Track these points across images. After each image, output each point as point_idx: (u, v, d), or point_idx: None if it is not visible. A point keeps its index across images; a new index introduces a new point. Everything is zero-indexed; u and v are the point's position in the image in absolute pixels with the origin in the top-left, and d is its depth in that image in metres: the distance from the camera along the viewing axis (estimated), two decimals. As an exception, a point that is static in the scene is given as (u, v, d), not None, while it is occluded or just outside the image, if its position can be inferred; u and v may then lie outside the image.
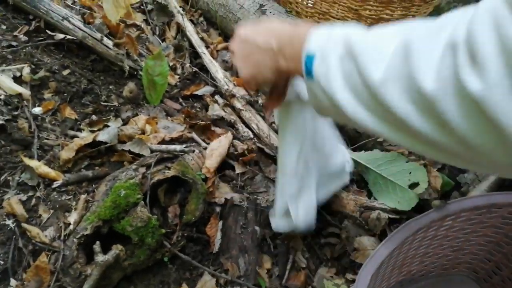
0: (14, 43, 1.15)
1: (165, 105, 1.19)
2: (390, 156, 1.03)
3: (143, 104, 1.17)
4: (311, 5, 1.31)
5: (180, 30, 1.46)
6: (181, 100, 1.24)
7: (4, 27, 1.19)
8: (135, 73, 1.23)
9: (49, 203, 0.84)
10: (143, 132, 1.01)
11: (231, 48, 0.59)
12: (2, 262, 0.75)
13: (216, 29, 1.54)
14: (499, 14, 0.28)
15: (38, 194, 0.85)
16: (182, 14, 1.45)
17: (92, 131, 0.99)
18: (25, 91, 1.03)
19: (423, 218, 0.65)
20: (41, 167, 0.87)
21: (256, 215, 0.92)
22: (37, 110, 1.01)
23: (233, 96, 1.19)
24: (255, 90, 1.19)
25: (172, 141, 1.01)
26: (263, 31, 0.54)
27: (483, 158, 0.33)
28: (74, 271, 0.74)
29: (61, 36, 1.20)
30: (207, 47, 1.39)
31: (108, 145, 0.93)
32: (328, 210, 1.00)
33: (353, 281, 0.87)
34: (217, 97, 1.25)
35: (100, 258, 0.74)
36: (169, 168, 0.89)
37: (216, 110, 1.17)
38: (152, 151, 0.95)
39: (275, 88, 0.63)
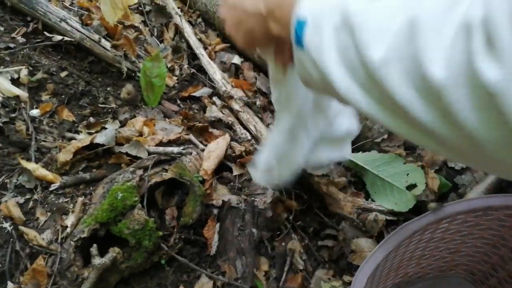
0: (12, 45, 1.15)
1: (163, 106, 1.19)
2: (388, 158, 1.03)
3: (141, 105, 1.17)
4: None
5: (178, 31, 1.46)
6: (179, 101, 1.24)
7: (2, 28, 1.19)
8: (133, 74, 1.23)
9: (46, 205, 0.84)
10: (141, 134, 1.01)
11: (221, 15, 0.54)
12: (-1, 265, 0.75)
13: (214, 30, 1.54)
14: None
15: (35, 196, 0.85)
16: (180, 16, 1.45)
17: (90, 133, 0.99)
18: (23, 93, 1.03)
19: (419, 220, 0.65)
20: (38, 170, 0.87)
21: (253, 217, 0.93)
22: (35, 112, 1.01)
23: (231, 97, 1.19)
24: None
25: (170, 143, 1.01)
26: None
27: (487, 156, 0.31)
28: (71, 274, 0.74)
29: (59, 37, 1.20)
30: (205, 48, 1.39)
31: (105, 147, 0.93)
32: (325, 211, 1.00)
33: (351, 283, 0.88)
34: (215, 98, 1.25)
35: (97, 261, 0.74)
36: (166, 171, 0.89)
37: (214, 111, 1.17)
38: (149, 153, 0.95)
39: (279, 51, 0.56)
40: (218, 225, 0.91)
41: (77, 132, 1.01)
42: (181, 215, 0.88)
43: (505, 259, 0.77)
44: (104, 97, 1.14)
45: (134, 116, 1.10)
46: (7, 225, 0.79)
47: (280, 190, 1.00)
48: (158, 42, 1.44)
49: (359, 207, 0.96)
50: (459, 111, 0.28)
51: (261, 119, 1.17)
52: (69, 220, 0.81)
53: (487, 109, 0.27)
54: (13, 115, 0.98)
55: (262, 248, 0.92)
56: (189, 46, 1.40)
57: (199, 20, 1.58)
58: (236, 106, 1.18)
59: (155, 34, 1.47)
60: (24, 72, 1.08)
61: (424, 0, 0.32)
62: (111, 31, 1.28)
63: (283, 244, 0.93)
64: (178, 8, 1.50)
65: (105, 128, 1.00)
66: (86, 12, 1.36)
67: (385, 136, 1.08)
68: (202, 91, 1.27)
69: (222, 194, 0.95)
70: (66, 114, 1.03)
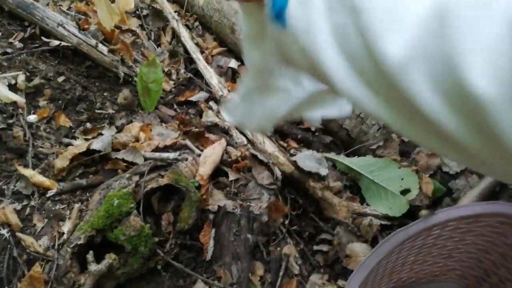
0: (9, 50, 1.16)
1: (159, 111, 1.20)
2: (382, 162, 1.04)
3: (138, 110, 1.18)
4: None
5: (175, 35, 1.47)
6: (175, 106, 1.24)
7: (-1, 34, 1.20)
8: (130, 79, 1.24)
9: (43, 212, 0.85)
10: (137, 139, 1.02)
11: None
12: (-4, 272, 0.76)
13: (212, 33, 1.55)
14: None
15: (32, 203, 0.85)
16: (177, 20, 1.46)
17: (87, 139, 0.99)
18: (20, 99, 1.04)
19: (410, 228, 0.66)
20: (35, 176, 0.88)
21: (248, 223, 0.93)
22: (32, 118, 1.02)
23: (228, 102, 1.20)
24: None
25: (166, 148, 1.02)
26: None
27: None
28: (68, 280, 0.75)
29: (56, 42, 1.21)
30: (202, 52, 1.40)
31: (102, 153, 0.94)
32: (320, 216, 1.01)
33: None
34: (211, 103, 1.25)
35: (93, 267, 0.75)
36: (162, 176, 0.90)
37: (210, 116, 1.18)
38: (145, 159, 0.95)
39: None
40: (213, 230, 0.92)
41: (74, 137, 1.02)
42: (177, 220, 0.88)
43: (497, 265, 0.77)
44: (101, 102, 1.15)
45: (131, 121, 1.11)
46: (4, 231, 0.80)
47: (276, 194, 1.00)
48: (155, 46, 1.45)
49: (354, 212, 0.97)
50: (502, 130, 0.23)
51: (257, 124, 1.18)
52: (66, 227, 0.81)
53: None
54: (11, 121, 0.99)
55: (257, 253, 0.93)
56: (186, 51, 1.41)
57: (196, 23, 1.59)
58: (232, 110, 1.18)
59: (152, 38, 1.48)
60: (21, 77, 1.08)
61: None
62: (108, 35, 1.29)
63: (278, 249, 0.94)
64: (175, 12, 1.51)
65: (102, 134, 1.01)
66: (84, 17, 1.36)
67: (381, 143, 1.09)
68: (198, 96, 1.28)
69: (218, 199, 0.96)
70: (63, 120, 1.04)
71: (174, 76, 1.35)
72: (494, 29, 0.22)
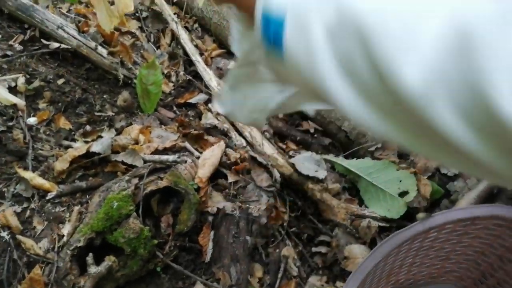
0: (9, 53, 1.16)
1: (159, 113, 1.21)
2: (381, 164, 1.05)
3: (137, 112, 1.18)
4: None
5: (175, 37, 1.47)
6: (175, 108, 1.25)
7: (-1, 36, 1.20)
8: (130, 81, 1.25)
9: (43, 214, 0.85)
10: (137, 142, 1.02)
11: None
12: (-3, 274, 0.76)
13: (211, 35, 1.55)
14: None
15: (32, 205, 0.86)
16: (176, 22, 1.46)
17: (86, 142, 1.00)
18: (20, 102, 1.04)
19: (407, 231, 0.66)
20: (35, 179, 0.88)
21: (247, 224, 0.94)
22: (32, 120, 1.03)
23: (227, 104, 1.20)
24: None
25: (165, 150, 1.03)
26: None
27: None
28: (68, 282, 0.76)
29: (56, 45, 1.21)
30: (201, 54, 1.40)
31: (101, 156, 0.95)
32: (319, 218, 1.02)
33: (343, 289, 0.89)
34: (210, 105, 1.26)
35: (93, 270, 0.75)
36: (161, 179, 0.90)
37: (209, 118, 1.18)
38: (145, 161, 0.96)
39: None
40: (212, 232, 0.92)
41: (74, 140, 1.02)
42: (177, 222, 0.89)
43: (494, 267, 0.78)
44: (100, 104, 1.15)
45: (131, 124, 1.12)
46: (4, 234, 0.80)
47: (275, 196, 1.01)
48: (155, 48, 1.45)
49: (353, 214, 0.98)
50: None
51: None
52: (66, 229, 0.82)
53: None
54: (11, 123, 0.99)
55: (256, 255, 0.93)
56: (185, 53, 1.41)
57: (196, 25, 1.59)
58: (231, 112, 1.19)
59: (152, 40, 1.48)
60: (21, 80, 1.09)
61: None
62: (108, 38, 1.29)
63: (277, 250, 0.94)
64: (175, 14, 1.51)
65: (101, 137, 1.01)
66: (83, 19, 1.37)
67: (379, 145, 1.09)
68: (198, 98, 1.28)
69: (217, 202, 0.97)
70: (63, 122, 1.04)
71: (173, 78, 1.36)
72: None
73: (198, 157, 1.03)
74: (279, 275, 0.90)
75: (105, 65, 1.23)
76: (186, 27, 1.53)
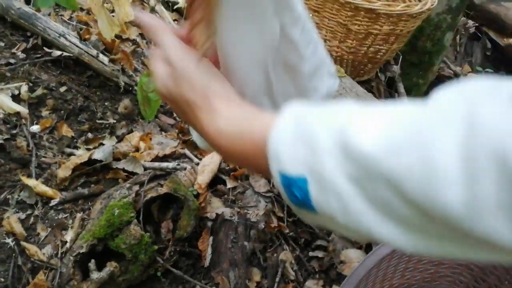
0: (12, 61, 1.19)
1: (159, 120, 1.23)
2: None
3: (138, 119, 1.21)
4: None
5: (175, 43, 1.49)
6: (175, 115, 1.27)
7: (2, 44, 1.23)
8: (131, 88, 1.27)
9: (46, 221, 0.88)
10: (137, 149, 1.05)
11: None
12: (2, 280, 0.79)
13: (210, 41, 1.57)
14: None
15: (36, 212, 0.88)
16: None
17: (88, 149, 1.02)
18: (23, 110, 1.07)
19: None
20: (39, 186, 0.91)
21: (246, 230, 0.96)
22: (35, 128, 1.05)
23: (226, 110, 1.22)
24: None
25: (165, 157, 1.05)
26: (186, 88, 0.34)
27: None
28: (71, 288, 0.78)
29: (58, 53, 1.24)
30: (201, 60, 1.42)
31: (103, 163, 0.97)
32: (316, 223, 1.04)
33: (339, 293, 0.91)
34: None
35: (95, 275, 0.77)
36: (162, 185, 0.93)
37: (209, 124, 1.20)
38: (145, 168, 0.98)
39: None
40: (212, 237, 0.94)
41: (76, 147, 1.04)
42: (177, 228, 0.91)
43: (486, 272, 0.80)
44: (102, 112, 1.17)
45: (131, 131, 1.14)
46: (9, 240, 0.83)
47: (272, 202, 1.03)
48: (155, 55, 1.47)
49: (349, 219, 1.00)
50: None
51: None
52: (69, 236, 0.84)
53: None
54: (14, 131, 1.02)
55: (254, 259, 0.96)
56: (185, 59, 1.43)
57: (195, 31, 1.61)
58: (230, 119, 1.21)
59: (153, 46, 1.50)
60: (24, 88, 1.11)
61: (483, 103, 0.21)
62: (109, 45, 1.32)
63: (275, 255, 0.96)
64: (175, 20, 1.54)
65: (103, 144, 1.04)
66: (85, 26, 1.39)
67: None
68: (197, 104, 1.30)
69: (216, 207, 0.99)
70: (65, 130, 1.06)
71: (173, 85, 1.38)
72: None
73: (197, 164, 1.05)
74: (277, 279, 0.93)
75: (107, 73, 1.25)
76: (186, 34, 1.55)
